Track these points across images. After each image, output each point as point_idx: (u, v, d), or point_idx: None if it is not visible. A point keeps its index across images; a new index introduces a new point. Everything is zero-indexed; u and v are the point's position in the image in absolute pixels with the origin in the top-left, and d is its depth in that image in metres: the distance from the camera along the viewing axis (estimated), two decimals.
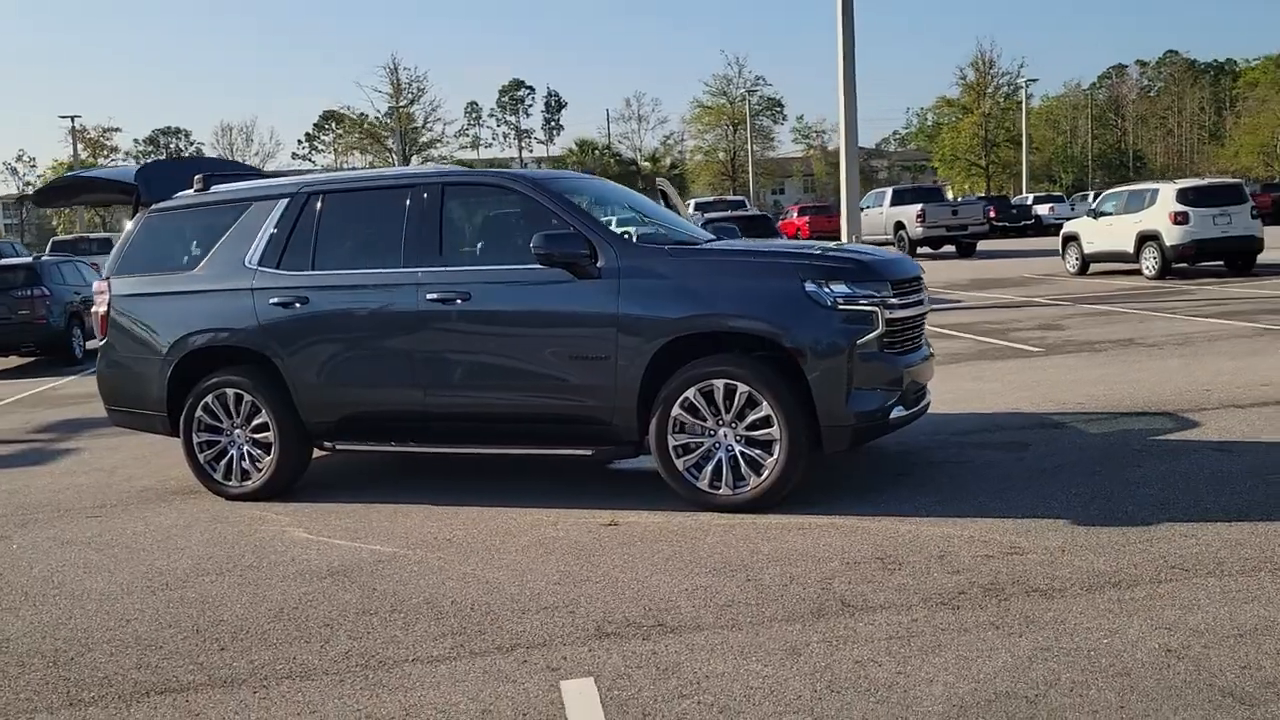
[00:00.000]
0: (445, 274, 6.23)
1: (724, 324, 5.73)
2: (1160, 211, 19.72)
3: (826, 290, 5.59)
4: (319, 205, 6.64)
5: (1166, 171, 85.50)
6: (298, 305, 6.48)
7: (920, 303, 6.11)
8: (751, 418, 5.65)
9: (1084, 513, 5.37)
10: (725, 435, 5.73)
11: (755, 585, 4.60)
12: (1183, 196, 19.57)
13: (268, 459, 6.62)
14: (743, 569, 4.82)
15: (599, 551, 5.22)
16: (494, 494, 6.44)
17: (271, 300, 6.53)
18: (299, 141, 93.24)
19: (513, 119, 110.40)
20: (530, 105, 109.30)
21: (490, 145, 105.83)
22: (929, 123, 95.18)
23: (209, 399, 6.70)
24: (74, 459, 8.55)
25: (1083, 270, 22.05)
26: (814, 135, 79.34)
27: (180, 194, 7.19)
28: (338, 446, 6.54)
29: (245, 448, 6.69)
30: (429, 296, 6.17)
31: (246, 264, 6.67)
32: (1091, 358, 10.73)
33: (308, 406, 6.51)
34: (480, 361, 6.16)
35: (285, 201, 6.69)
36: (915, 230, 30.24)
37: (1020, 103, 60.50)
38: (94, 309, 7.23)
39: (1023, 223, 47.10)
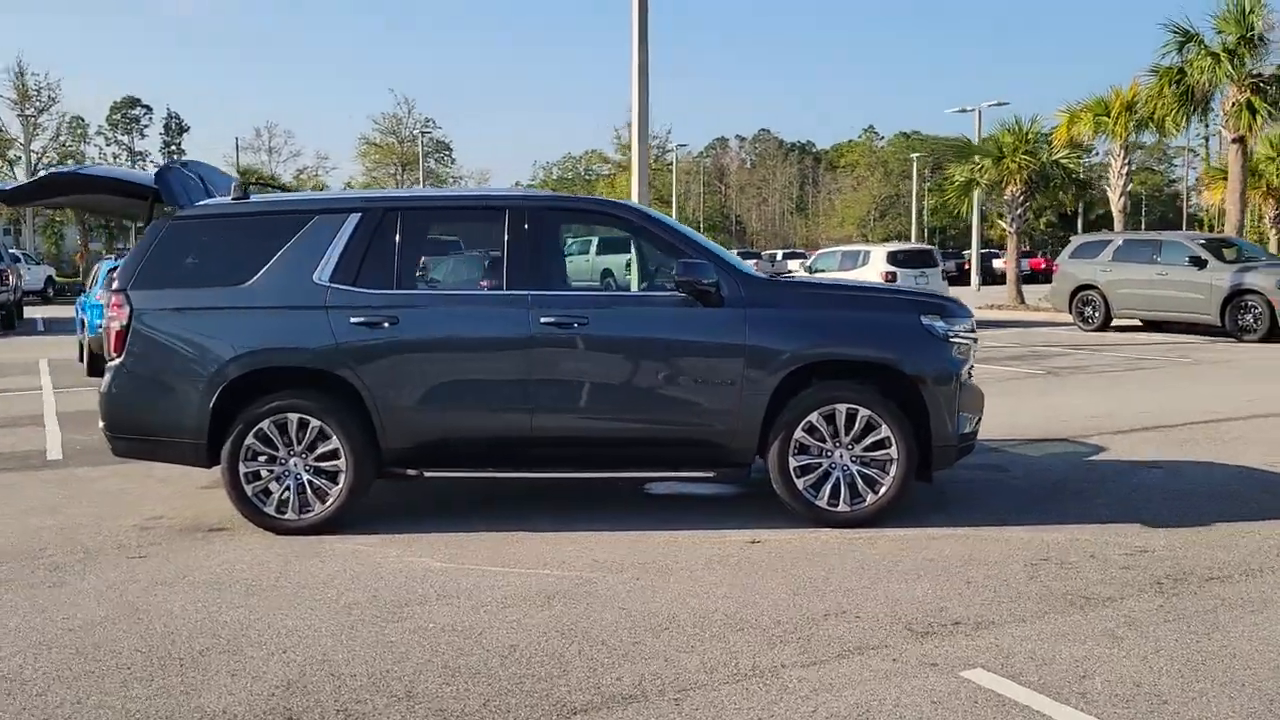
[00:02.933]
0: (560, 297, 6.22)
1: (850, 353, 6.21)
2: (873, 270, 22.29)
3: (938, 324, 6.24)
4: (399, 222, 6.35)
5: (762, 236, 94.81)
6: (386, 325, 6.15)
7: None
8: (870, 439, 6.15)
9: (1140, 517, 6.35)
10: (841, 456, 6.19)
11: (981, 587, 5.09)
12: (892, 258, 22.30)
13: (336, 489, 6.17)
14: (942, 574, 5.30)
15: (788, 565, 5.47)
16: (572, 519, 6.42)
17: (353, 320, 6.15)
18: None
19: (126, 139, 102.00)
20: (147, 126, 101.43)
21: (101, 165, 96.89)
22: (554, 177, 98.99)
23: (265, 425, 6.15)
24: None
25: None
26: (451, 183, 80.00)
27: (209, 202, 6.56)
28: (426, 474, 6.24)
29: (306, 477, 6.20)
30: (544, 319, 6.12)
31: (316, 280, 6.23)
32: None
33: (394, 432, 6.17)
34: (598, 385, 6.18)
35: (358, 216, 6.33)
36: None
37: (670, 165, 65.05)
38: (106, 324, 6.36)
39: None
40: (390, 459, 6.26)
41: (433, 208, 6.55)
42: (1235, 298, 18.64)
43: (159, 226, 6.42)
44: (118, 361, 6.30)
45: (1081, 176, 27.34)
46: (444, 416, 6.21)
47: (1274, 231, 31.76)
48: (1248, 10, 21.63)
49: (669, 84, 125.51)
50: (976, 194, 27.51)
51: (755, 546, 5.85)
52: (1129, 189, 25.68)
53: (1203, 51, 22.07)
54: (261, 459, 6.21)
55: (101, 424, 6.43)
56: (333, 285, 6.22)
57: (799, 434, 6.15)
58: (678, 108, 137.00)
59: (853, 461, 6.19)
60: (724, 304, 6.14)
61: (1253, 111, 21.33)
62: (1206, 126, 27.40)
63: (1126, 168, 25.02)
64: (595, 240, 16.55)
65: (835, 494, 6.18)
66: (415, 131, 62.35)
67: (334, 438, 6.14)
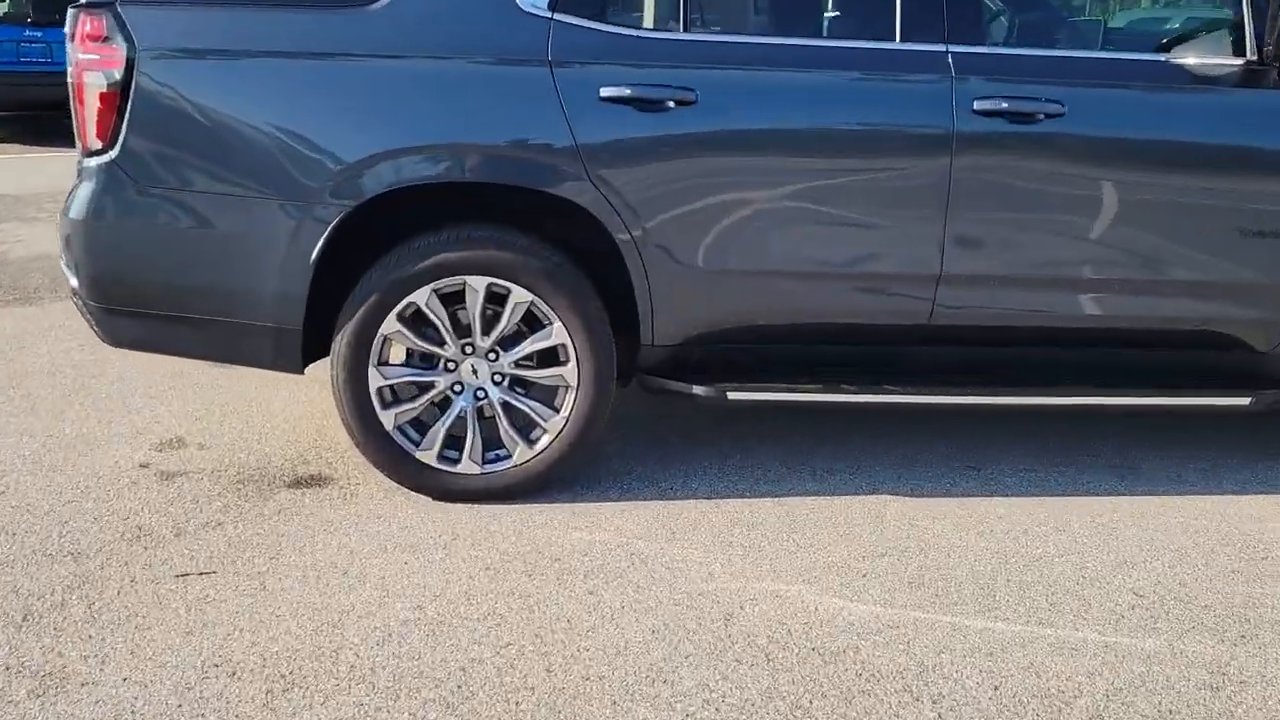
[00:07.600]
0: (1013, 60, 3.19)
1: None
2: None
3: None
4: None
5: None
6: (673, 105, 3.05)
7: None
8: None
9: None
10: None
11: None
12: None
13: (555, 419, 3.22)
14: None
15: None
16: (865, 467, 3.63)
17: (606, 92, 3.03)
18: None
19: None
20: None
21: None
22: None
23: (421, 297, 3.10)
24: None
25: None
26: None
27: None
28: (730, 395, 3.27)
29: (497, 397, 3.23)
30: (978, 106, 3.09)
31: (525, 7, 3.05)
32: None
33: (676, 315, 3.19)
34: (1065, 238, 3.24)
35: None
36: None
37: None
38: (75, 78, 3.08)
39: None
40: (657, 363, 3.31)
41: None
42: None
43: None
44: (108, 158, 3.07)
45: None
46: (774, 290, 3.23)
47: None
48: None
49: None
50: None
51: None
52: None
53: None
54: (405, 361, 3.21)
55: (78, 288, 3.25)
56: (558, 18, 3.05)
57: None
58: None
59: None
60: None
61: None
62: None
63: None
64: None
65: None
66: None
67: (555, 323, 3.13)
